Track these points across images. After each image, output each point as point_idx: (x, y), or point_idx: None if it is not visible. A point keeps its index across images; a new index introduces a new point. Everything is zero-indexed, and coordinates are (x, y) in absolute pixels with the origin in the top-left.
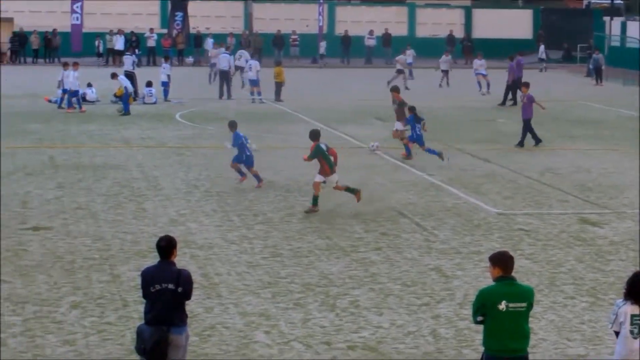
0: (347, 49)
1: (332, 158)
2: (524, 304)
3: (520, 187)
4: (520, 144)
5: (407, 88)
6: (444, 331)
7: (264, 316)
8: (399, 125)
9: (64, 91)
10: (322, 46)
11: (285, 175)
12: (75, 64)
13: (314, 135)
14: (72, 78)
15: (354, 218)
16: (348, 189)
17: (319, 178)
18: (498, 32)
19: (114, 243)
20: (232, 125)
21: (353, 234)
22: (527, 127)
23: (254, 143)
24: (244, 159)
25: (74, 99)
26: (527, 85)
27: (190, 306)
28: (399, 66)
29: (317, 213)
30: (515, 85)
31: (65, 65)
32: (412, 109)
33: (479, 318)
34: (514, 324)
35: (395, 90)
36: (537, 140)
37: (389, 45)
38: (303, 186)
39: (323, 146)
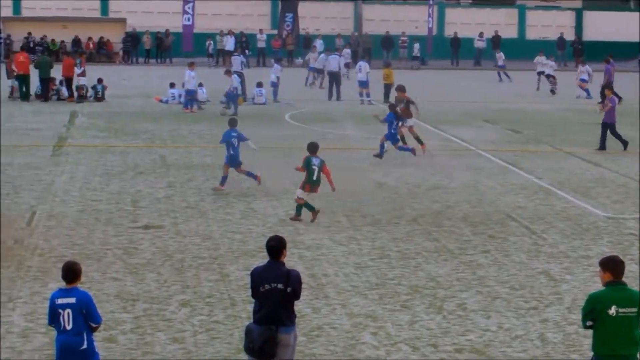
0: (456, 50)
1: (316, 174)
2: (634, 309)
3: (631, 191)
4: (625, 146)
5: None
6: (552, 335)
7: (371, 317)
8: (411, 123)
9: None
10: (416, 47)
11: (394, 177)
12: (192, 64)
13: (312, 147)
14: (188, 77)
15: (462, 221)
16: (307, 205)
17: (300, 193)
18: (609, 34)
19: (223, 242)
20: (231, 122)
21: (461, 237)
22: (606, 131)
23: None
24: (227, 158)
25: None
26: (611, 88)
27: (298, 306)
28: (540, 68)
29: (425, 215)
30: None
31: (190, 65)
32: (391, 107)
33: (589, 323)
34: (624, 329)
35: (400, 89)
36: (602, 145)
37: (498, 47)
38: (412, 188)
39: (315, 161)
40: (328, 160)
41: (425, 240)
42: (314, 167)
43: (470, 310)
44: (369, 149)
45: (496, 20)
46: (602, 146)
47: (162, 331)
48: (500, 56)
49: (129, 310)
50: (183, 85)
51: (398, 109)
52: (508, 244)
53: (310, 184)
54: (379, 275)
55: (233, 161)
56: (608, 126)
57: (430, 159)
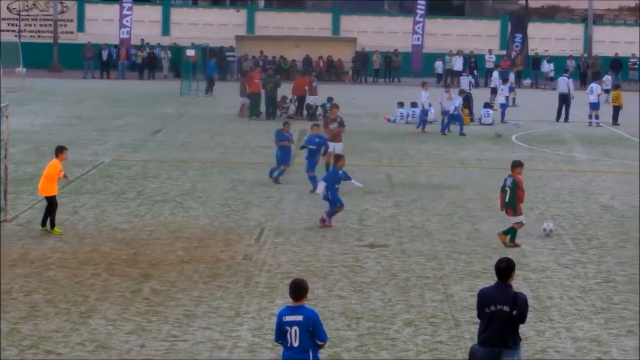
0: None
1: (508, 195)
2: None
3: None
4: None
5: None
6: None
7: (596, 342)
8: (339, 148)
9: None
10: (549, 67)
11: (621, 200)
12: (425, 84)
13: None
14: (424, 97)
15: None
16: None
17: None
18: None
19: (448, 262)
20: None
21: None
22: None
23: None
24: None
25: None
26: None
27: (522, 329)
28: None
29: None
30: None
31: (423, 85)
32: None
33: None
34: None
35: (335, 106)
36: None
37: None
38: None
39: (508, 181)
40: (554, 183)
41: None
42: (506, 187)
43: None
44: (597, 171)
45: None
46: None
47: (386, 350)
48: None
49: (353, 328)
50: (422, 106)
51: (331, 127)
52: None
53: (505, 206)
54: (605, 299)
55: None
56: None
57: None
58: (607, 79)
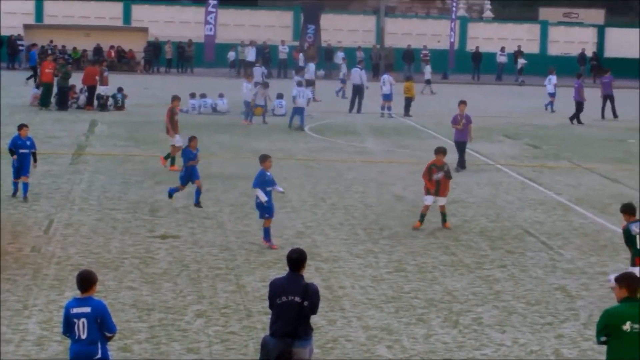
0: (477, 65)
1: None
2: None
3: None
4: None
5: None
6: (567, 351)
7: (387, 330)
8: (179, 140)
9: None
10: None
11: (412, 190)
12: (249, 76)
13: (629, 209)
14: (246, 89)
15: (480, 235)
16: None
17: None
18: (632, 51)
19: (240, 253)
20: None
21: (478, 251)
22: (461, 150)
23: None
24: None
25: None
26: (465, 103)
27: (314, 319)
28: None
29: (443, 229)
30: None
31: (247, 77)
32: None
33: (603, 338)
34: (638, 345)
35: (176, 98)
36: (461, 165)
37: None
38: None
39: (636, 227)
40: (347, 173)
41: (442, 254)
42: (635, 234)
43: (485, 324)
44: (389, 161)
45: (518, 35)
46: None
47: (177, 341)
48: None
49: (144, 319)
50: (245, 97)
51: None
52: (525, 259)
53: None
54: (395, 288)
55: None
56: (460, 144)
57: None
58: (427, 69)
